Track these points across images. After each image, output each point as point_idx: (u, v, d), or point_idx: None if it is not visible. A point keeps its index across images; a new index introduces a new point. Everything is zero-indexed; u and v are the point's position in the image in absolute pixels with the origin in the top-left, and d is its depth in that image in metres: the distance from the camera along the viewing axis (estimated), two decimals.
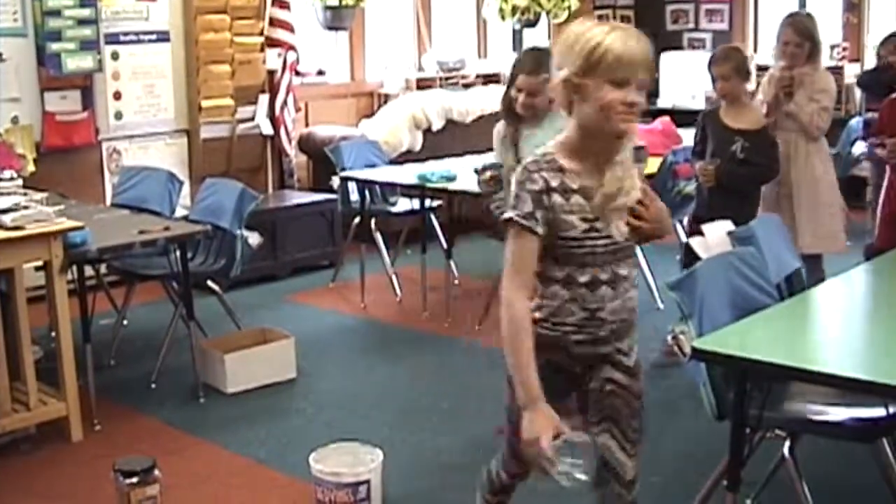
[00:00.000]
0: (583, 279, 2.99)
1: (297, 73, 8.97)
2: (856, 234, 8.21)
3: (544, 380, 2.92)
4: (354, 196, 7.55)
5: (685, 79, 11.03)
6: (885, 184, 5.30)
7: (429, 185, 6.79)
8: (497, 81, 10.52)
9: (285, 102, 8.68)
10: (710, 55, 5.85)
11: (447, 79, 10.14)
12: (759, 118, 5.78)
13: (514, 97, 5.07)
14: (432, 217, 7.63)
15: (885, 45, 8.19)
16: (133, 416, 5.42)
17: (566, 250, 2.97)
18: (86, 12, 7.39)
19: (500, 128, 5.32)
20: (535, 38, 11.44)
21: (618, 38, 2.90)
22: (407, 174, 7.08)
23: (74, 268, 5.18)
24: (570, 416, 3.01)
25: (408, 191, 7.32)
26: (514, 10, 10.42)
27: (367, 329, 6.93)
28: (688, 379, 5.35)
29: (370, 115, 9.57)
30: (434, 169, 7.02)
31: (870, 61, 10.16)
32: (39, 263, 5.00)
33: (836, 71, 10.16)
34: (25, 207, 4.95)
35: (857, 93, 10.14)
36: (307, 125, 9.29)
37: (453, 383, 5.79)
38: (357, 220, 7.58)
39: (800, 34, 5.95)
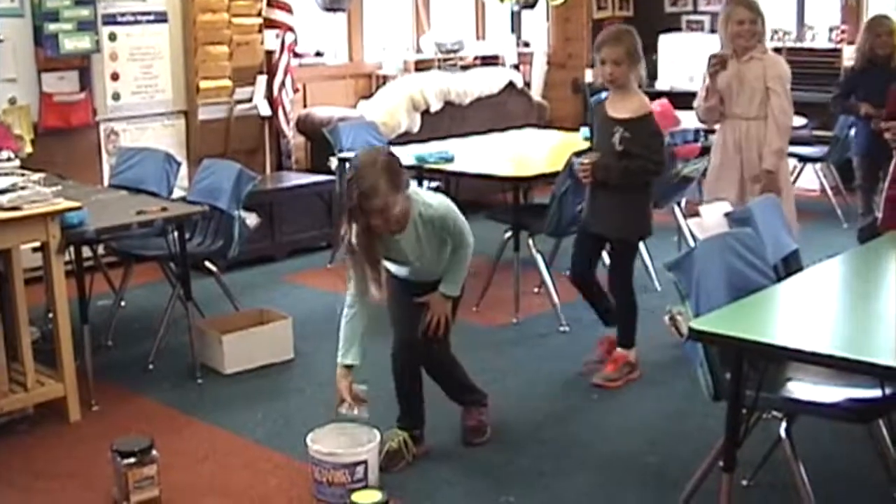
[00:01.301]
0: None
1: (296, 55, 8.96)
2: (854, 217, 8.24)
3: None
4: None
5: (684, 61, 11.01)
6: (892, 167, 5.30)
7: (426, 166, 6.79)
8: (495, 63, 10.53)
9: (283, 83, 8.67)
10: (601, 38, 5.40)
11: (445, 60, 10.13)
12: (642, 106, 5.40)
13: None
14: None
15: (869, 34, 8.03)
16: (130, 396, 5.42)
17: None
18: None
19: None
20: (534, 19, 11.44)
21: None
22: (405, 155, 7.05)
23: (72, 248, 5.18)
24: None
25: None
26: None
27: None
28: (684, 359, 5.38)
29: (368, 96, 9.55)
30: (432, 150, 7.02)
31: None
32: (37, 244, 5.00)
33: (835, 53, 10.20)
34: (23, 188, 4.93)
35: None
36: (305, 106, 9.28)
37: None
38: None
39: (753, 10, 5.85)
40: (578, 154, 5.78)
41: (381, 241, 4.41)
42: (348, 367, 4.58)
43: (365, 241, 4.34)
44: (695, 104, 6.15)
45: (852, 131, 8.95)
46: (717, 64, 5.87)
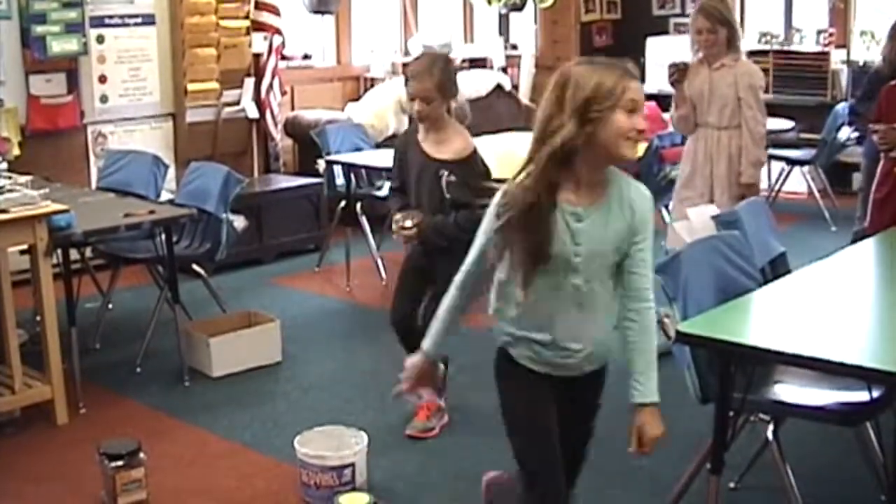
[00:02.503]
0: None
1: (283, 57, 8.96)
2: (842, 220, 8.26)
3: None
4: (340, 180, 7.56)
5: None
6: (879, 169, 5.30)
7: None
8: (483, 66, 10.53)
9: (271, 86, 8.68)
10: (409, 70, 4.71)
11: None
12: (466, 144, 4.69)
13: None
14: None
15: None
16: (118, 399, 5.41)
17: None
18: None
19: None
20: (522, 22, 11.45)
21: None
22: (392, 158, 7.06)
23: (59, 251, 5.16)
24: None
25: None
26: None
27: (353, 313, 6.93)
28: (672, 362, 5.38)
29: (356, 98, 9.56)
30: None
31: (856, 47, 10.16)
32: (24, 247, 4.99)
33: (822, 56, 10.21)
34: (10, 191, 4.93)
35: (843, 78, 10.15)
36: (293, 109, 9.28)
37: None
38: (343, 203, 7.57)
39: (712, 19, 5.64)
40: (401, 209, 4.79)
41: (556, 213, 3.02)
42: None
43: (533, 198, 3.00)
44: (670, 113, 6.06)
45: (843, 134, 8.97)
46: (675, 73, 5.75)
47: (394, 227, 4.74)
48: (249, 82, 8.61)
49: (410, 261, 4.90)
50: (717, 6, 5.69)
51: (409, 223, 4.65)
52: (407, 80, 4.62)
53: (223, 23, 8.39)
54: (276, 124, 8.80)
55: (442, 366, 4.84)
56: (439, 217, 4.61)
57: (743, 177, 5.69)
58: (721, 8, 5.69)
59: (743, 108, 5.68)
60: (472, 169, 4.59)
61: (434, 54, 5.17)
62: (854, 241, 5.89)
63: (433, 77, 4.55)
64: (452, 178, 4.54)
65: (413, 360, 3.35)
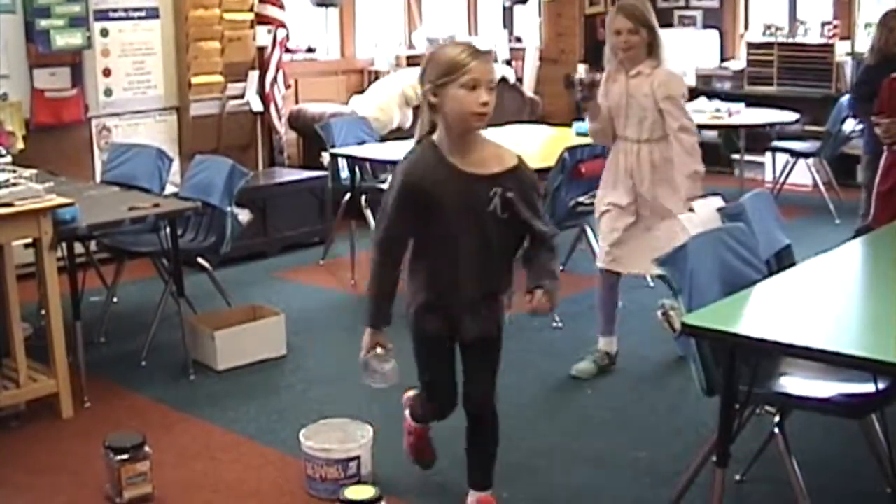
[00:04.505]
0: None
1: (287, 50, 8.96)
2: (847, 212, 8.25)
3: None
4: (345, 173, 7.55)
5: (676, 56, 11.00)
6: (882, 162, 5.28)
7: None
8: None
9: (275, 79, 8.67)
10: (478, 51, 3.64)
11: None
12: (510, 150, 3.79)
13: None
14: None
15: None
16: (123, 392, 5.42)
17: None
18: None
19: None
20: (526, 15, 11.45)
21: None
22: (397, 151, 7.06)
23: (64, 245, 5.17)
24: None
25: None
26: None
27: (358, 306, 6.88)
28: (677, 354, 5.38)
29: (360, 91, 9.55)
30: None
31: (860, 39, 10.15)
32: (29, 240, 4.99)
33: (827, 48, 10.20)
34: (15, 184, 4.93)
35: (848, 71, 10.14)
36: (297, 102, 9.28)
37: None
38: (347, 196, 7.56)
39: (633, 20, 5.13)
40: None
41: None
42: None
43: None
44: (586, 125, 5.58)
45: (847, 126, 8.96)
46: (583, 90, 5.21)
47: (378, 365, 3.88)
48: (254, 75, 8.60)
49: (428, 336, 3.87)
50: (638, 6, 5.20)
51: (545, 300, 3.69)
52: (468, 67, 3.46)
53: (227, 16, 8.39)
54: (280, 117, 8.80)
55: None
56: (546, 266, 3.74)
57: (682, 192, 5.17)
58: (643, 9, 5.20)
59: (667, 120, 5.23)
60: (528, 179, 3.71)
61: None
62: (857, 234, 5.89)
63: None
64: (510, 194, 3.59)
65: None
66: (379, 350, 3.80)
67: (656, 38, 5.23)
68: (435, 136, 3.64)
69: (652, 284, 6.77)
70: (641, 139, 5.29)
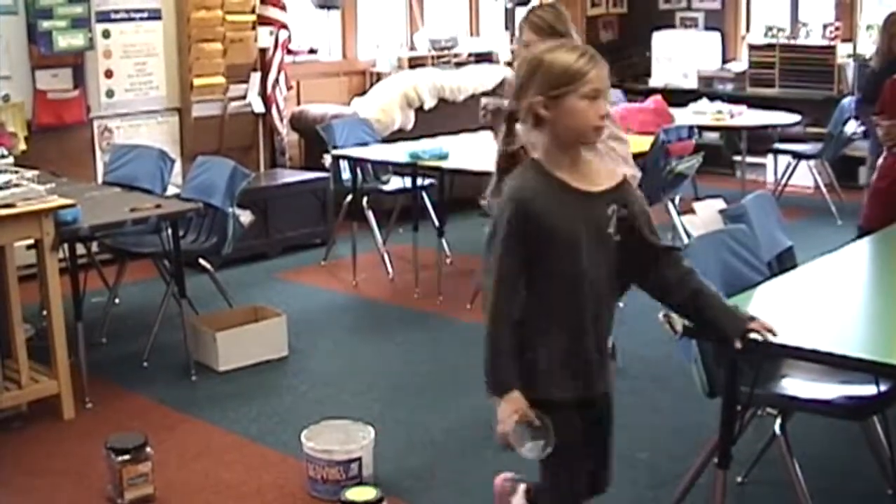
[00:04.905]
0: None
1: (289, 52, 8.95)
2: (849, 214, 8.25)
3: None
4: (346, 174, 7.55)
5: (677, 58, 11.03)
6: (880, 162, 5.28)
7: (421, 163, 6.79)
8: (489, 60, 10.52)
9: (277, 80, 8.68)
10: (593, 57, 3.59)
11: (439, 57, 10.13)
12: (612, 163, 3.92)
13: None
14: (424, 195, 7.62)
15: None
16: (125, 393, 5.42)
17: None
18: None
19: None
20: None
21: None
22: (399, 152, 7.07)
23: (66, 246, 5.18)
24: None
25: (400, 169, 7.32)
26: None
27: (359, 307, 6.93)
28: (679, 356, 5.38)
29: (362, 93, 9.55)
30: (426, 147, 7.01)
31: (862, 41, 10.16)
32: (31, 241, 5.00)
33: (829, 50, 10.20)
34: (16, 185, 4.93)
35: (850, 72, 10.14)
36: (299, 103, 9.28)
37: (445, 361, 5.79)
38: (349, 198, 7.57)
39: (541, 32, 4.58)
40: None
41: None
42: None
43: None
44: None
45: (849, 128, 8.96)
46: (486, 115, 4.94)
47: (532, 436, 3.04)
48: (255, 77, 8.61)
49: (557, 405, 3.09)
50: (545, 16, 4.69)
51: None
52: (589, 75, 2.98)
53: (229, 17, 8.39)
54: (282, 119, 8.80)
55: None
56: (718, 295, 3.23)
57: None
58: (551, 19, 4.66)
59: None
60: (638, 192, 3.23)
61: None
62: (860, 235, 5.88)
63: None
64: (624, 211, 3.08)
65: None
66: (534, 420, 2.99)
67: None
68: (536, 154, 3.06)
69: None
70: None
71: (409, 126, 8.98)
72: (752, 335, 3.10)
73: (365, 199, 7.66)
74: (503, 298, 3.03)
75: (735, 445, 3.49)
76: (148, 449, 4.26)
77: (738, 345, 3.11)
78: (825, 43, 10.33)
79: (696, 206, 4.63)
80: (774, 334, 3.10)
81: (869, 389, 3.47)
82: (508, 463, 4.29)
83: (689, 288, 3.14)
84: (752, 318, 3.14)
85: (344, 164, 7.54)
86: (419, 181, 7.20)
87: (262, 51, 8.64)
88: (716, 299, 3.16)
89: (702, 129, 8.26)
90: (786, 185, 9.49)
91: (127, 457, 4.19)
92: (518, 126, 3.12)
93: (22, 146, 7.09)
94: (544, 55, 3.04)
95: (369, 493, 3.94)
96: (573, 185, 3.03)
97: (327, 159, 7.65)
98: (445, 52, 10.21)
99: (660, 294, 3.20)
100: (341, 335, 6.29)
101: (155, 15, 7.98)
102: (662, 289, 3.18)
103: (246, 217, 6.16)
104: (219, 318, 5.90)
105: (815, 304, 3.64)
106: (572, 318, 3.06)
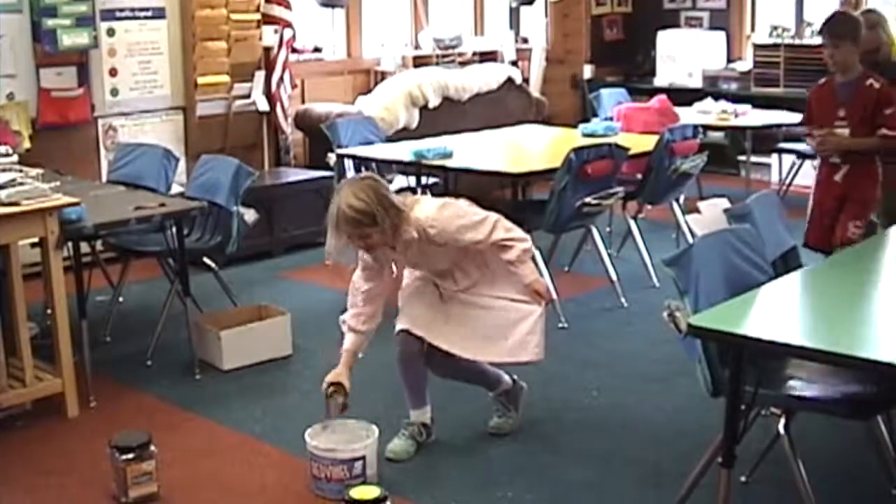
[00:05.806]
0: None
1: (294, 50, 8.96)
2: None
3: None
4: (351, 173, 7.54)
5: (682, 57, 11.02)
6: (816, 173, 5.28)
7: (425, 162, 6.78)
8: (494, 59, 10.52)
9: (281, 79, 8.68)
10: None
11: (444, 56, 10.13)
12: None
13: None
14: (429, 194, 7.61)
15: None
16: (129, 392, 5.42)
17: None
18: None
19: None
20: (532, 15, 11.45)
21: None
22: (403, 151, 7.07)
23: (70, 244, 5.18)
24: None
25: (404, 168, 7.31)
26: None
27: None
28: (683, 355, 5.38)
29: (367, 92, 9.54)
30: (430, 146, 7.01)
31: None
32: (35, 240, 4.99)
33: None
34: (21, 184, 4.93)
35: None
36: (303, 102, 9.27)
37: None
38: None
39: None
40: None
41: None
42: None
43: None
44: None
45: None
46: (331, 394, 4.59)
47: None
48: (260, 75, 8.61)
49: None
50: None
51: None
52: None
53: (234, 16, 8.39)
54: (286, 117, 8.80)
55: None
56: None
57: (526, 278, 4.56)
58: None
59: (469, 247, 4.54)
60: None
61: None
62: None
63: None
64: None
65: None
66: None
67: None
68: None
69: (657, 284, 6.78)
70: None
71: (414, 125, 8.98)
72: None
73: None
74: None
75: (739, 445, 3.49)
76: (152, 447, 4.26)
77: None
78: None
79: (701, 205, 4.63)
80: None
81: (873, 389, 3.47)
82: (510, 462, 4.30)
83: None
84: None
85: (348, 163, 7.53)
86: (423, 180, 7.20)
87: (267, 49, 8.64)
88: None
89: (706, 128, 8.24)
90: (790, 184, 9.49)
91: (131, 455, 4.20)
92: None
93: (26, 144, 7.10)
94: None
95: (373, 491, 3.93)
96: None
97: (332, 158, 7.64)
98: (450, 51, 10.21)
99: None
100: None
101: (159, 13, 7.98)
102: None
103: (250, 216, 6.16)
104: (223, 317, 5.90)
105: (820, 304, 3.64)
106: None
